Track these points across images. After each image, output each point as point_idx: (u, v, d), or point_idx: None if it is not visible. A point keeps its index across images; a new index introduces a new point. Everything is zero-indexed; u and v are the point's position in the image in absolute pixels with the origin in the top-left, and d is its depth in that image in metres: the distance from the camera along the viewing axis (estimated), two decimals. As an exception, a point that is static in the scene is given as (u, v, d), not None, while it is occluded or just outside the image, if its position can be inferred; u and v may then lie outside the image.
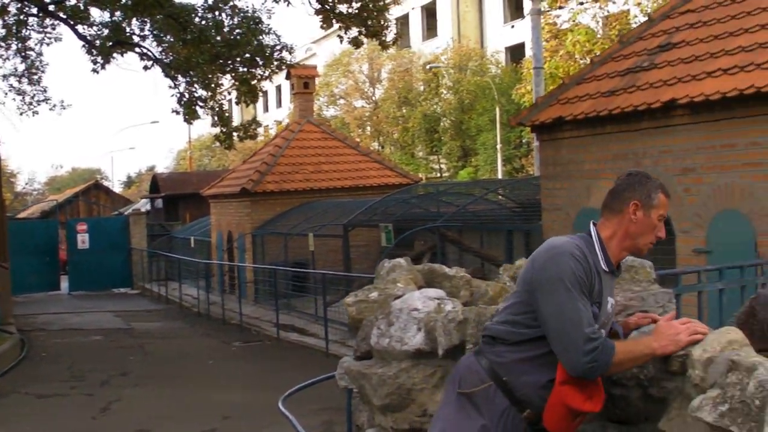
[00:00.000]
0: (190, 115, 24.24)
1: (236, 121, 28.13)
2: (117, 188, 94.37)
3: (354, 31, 22.72)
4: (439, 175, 52.64)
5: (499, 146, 43.74)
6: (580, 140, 13.74)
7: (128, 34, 23.54)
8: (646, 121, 12.45)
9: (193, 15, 22.19)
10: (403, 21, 60.07)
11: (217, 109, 24.79)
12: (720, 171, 11.35)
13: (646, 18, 16.59)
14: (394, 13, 48.62)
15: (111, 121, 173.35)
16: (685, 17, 13.56)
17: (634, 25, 25.62)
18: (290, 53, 24.08)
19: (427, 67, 52.41)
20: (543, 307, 4.04)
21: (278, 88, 77.00)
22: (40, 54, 26.78)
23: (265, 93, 73.06)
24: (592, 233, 4.26)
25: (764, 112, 10.83)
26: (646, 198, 4.20)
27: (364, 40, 23.52)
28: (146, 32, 23.73)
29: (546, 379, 4.17)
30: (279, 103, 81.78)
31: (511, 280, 6.63)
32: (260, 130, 48.66)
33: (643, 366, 4.20)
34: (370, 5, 22.09)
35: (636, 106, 12.27)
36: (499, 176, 41.93)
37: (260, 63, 23.28)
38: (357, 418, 6.54)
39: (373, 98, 56.85)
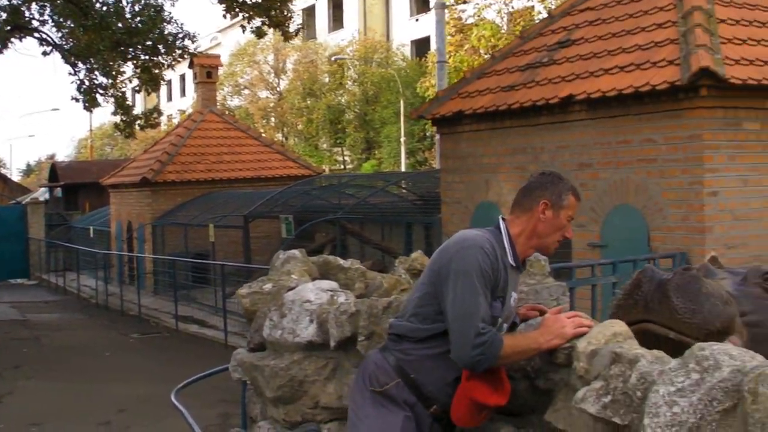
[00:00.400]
0: (91, 103, 23.78)
1: (140, 110, 27.62)
2: (15, 177, 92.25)
3: (257, 21, 22.51)
4: (342, 167, 52.57)
5: (402, 139, 43.84)
6: (480, 134, 13.80)
7: (27, 18, 22.98)
8: (545, 116, 12.56)
9: (94, 1, 21.77)
10: (309, 12, 59.92)
11: (118, 97, 24.35)
12: (615, 167, 11.51)
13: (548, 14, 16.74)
14: (300, 4, 48.50)
15: (10, 108, 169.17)
16: (584, 14, 13.72)
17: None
18: (193, 42, 23.81)
19: (333, 58, 52.31)
20: (446, 296, 4.07)
21: (182, 77, 76.09)
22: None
23: (169, 82, 72.06)
24: (502, 228, 4.29)
25: (658, 110, 11.02)
26: (557, 198, 4.25)
27: (268, 30, 23.34)
28: (46, 17, 23.20)
29: (453, 376, 4.22)
30: (183, 93, 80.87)
31: (407, 273, 6.65)
32: (163, 119, 48.15)
33: (530, 358, 4.24)
34: (274, -5, 21.94)
35: (535, 101, 12.37)
36: (403, 169, 42.02)
37: (162, 51, 22.96)
38: (251, 410, 6.49)
39: (278, 89, 56.56)
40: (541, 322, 4.22)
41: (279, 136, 54.18)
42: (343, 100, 52.21)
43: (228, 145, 30.61)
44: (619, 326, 4.02)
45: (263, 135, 37.49)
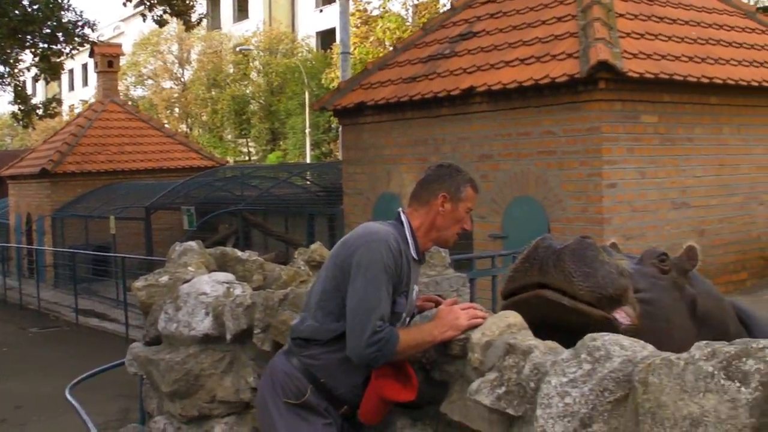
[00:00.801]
0: (-13, 92, 23.14)
1: (41, 99, 26.97)
2: None
3: (159, 10, 22.14)
4: (247, 158, 52.13)
5: (307, 131, 43.61)
6: (382, 125, 13.80)
7: None
8: (446, 108, 12.60)
9: (-11, -14, 21.18)
10: (214, 2, 59.27)
11: (16, 86, 23.75)
12: (516, 158, 11.59)
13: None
14: (204, -7, 47.88)
15: None
16: (486, 7, 13.78)
17: (441, 14, 25.92)
18: (93, 30, 23.28)
19: (237, 49, 51.83)
20: (349, 289, 3.99)
21: (84, 67, 74.55)
22: None
23: (70, 71, 70.78)
24: (404, 222, 4.23)
25: (558, 102, 11.14)
26: (455, 191, 4.19)
27: (170, 19, 22.98)
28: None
29: (363, 377, 4.16)
30: (85, 82, 79.26)
31: (306, 265, 6.59)
32: (65, 109, 47.19)
33: (425, 350, 4.20)
34: (175, -16, 21.60)
35: (436, 93, 12.39)
36: (308, 160, 41.84)
37: (61, 39, 22.41)
38: (148, 405, 6.37)
39: (182, 79, 55.85)
40: (435, 313, 4.18)
41: (183, 127, 53.47)
42: (248, 91, 51.73)
43: (130, 135, 30.04)
44: (514, 317, 4.00)
45: (167, 126, 36.93)
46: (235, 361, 5.65)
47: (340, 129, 16.15)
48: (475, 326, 4.03)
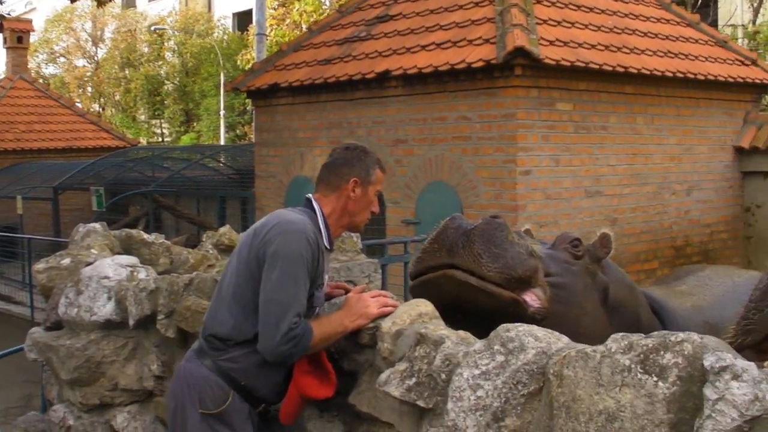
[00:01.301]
0: None
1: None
2: None
3: (72, -14, 21.62)
4: (161, 139, 51.44)
5: (222, 112, 43.16)
6: (296, 108, 13.60)
7: None
8: (361, 91, 12.45)
9: None
10: (129, -20, 58.32)
11: None
12: (431, 144, 11.49)
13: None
14: (118, -30, 47.09)
15: None
16: (403, -10, 13.65)
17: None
18: (1, 3, 22.69)
19: (152, 28, 51.04)
20: (264, 280, 3.79)
21: (-8, 43, 72.82)
22: None
23: (-22, 47, 69.00)
24: (316, 209, 4.03)
25: (474, 88, 11.06)
26: (365, 174, 4.04)
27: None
28: None
29: (283, 375, 3.98)
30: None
31: (214, 248, 6.42)
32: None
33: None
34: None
35: (351, 76, 12.24)
36: (222, 143, 41.39)
37: (-32, 13, 21.80)
38: (48, 392, 6.15)
39: (95, 58, 54.83)
40: (344, 302, 4.04)
41: (96, 107, 52.53)
42: (162, 72, 50.97)
43: (39, 113, 29.23)
44: (425, 306, 3.88)
45: (79, 105, 36.19)
46: (139, 347, 5.47)
47: (254, 111, 15.89)
48: (386, 315, 3.91)
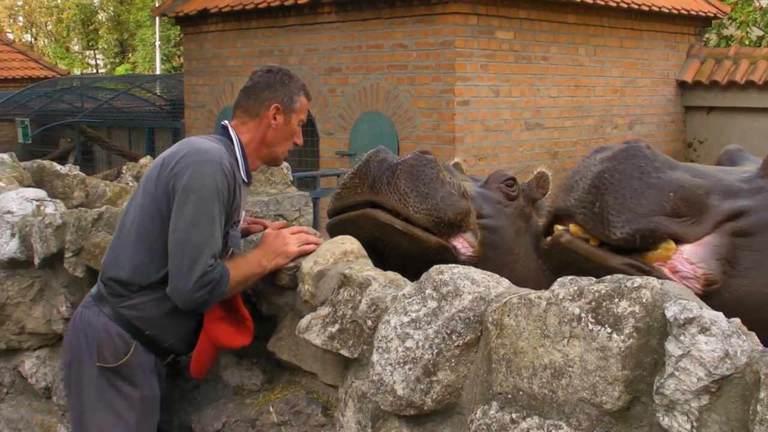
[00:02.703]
0: None
1: None
2: None
3: None
4: (95, 71, 50.46)
5: (157, 43, 42.28)
6: (226, 34, 13.21)
7: None
8: (293, 17, 12.07)
9: None
10: None
11: None
12: (365, 72, 11.17)
13: None
14: None
15: None
16: None
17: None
18: None
19: (84, -46, 49.81)
20: (174, 217, 3.37)
21: None
22: None
23: None
24: (234, 138, 3.63)
25: (411, 14, 10.74)
26: (288, 101, 3.64)
27: None
28: None
29: (194, 324, 3.60)
30: None
31: (135, 180, 6.08)
32: None
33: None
34: None
35: (282, 1, 11.84)
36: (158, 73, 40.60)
37: None
38: (-49, 336, 5.73)
39: (26, -14, 53.44)
40: (260, 239, 3.65)
41: (27, 37, 51.34)
42: (95, 0, 49.85)
43: (-37, 42, 28.46)
44: (350, 243, 3.51)
45: (10, 35, 35.16)
46: (46, 288, 5.09)
47: (183, 38, 15.39)
48: (307, 253, 3.54)
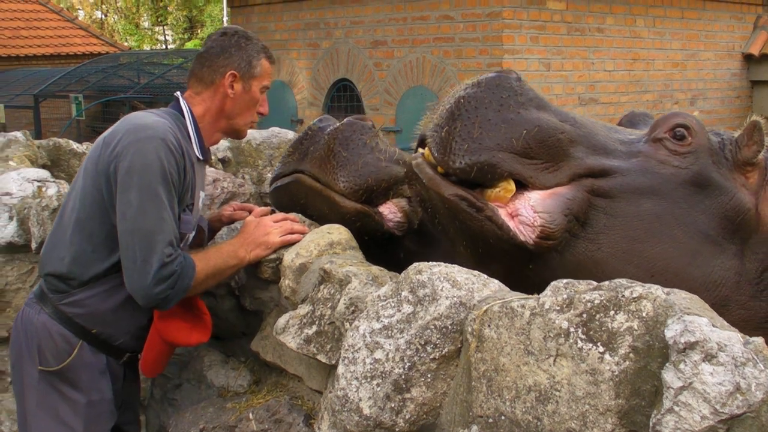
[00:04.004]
0: None
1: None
2: None
3: None
4: (165, 47, 50.75)
5: (225, 19, 42.35)
6: (272, 8, 12.93)
7: None
8: None
9: None
10: None
11: None
12: (411, 45, 10.82)
13: None
14: None
15: None
16: None
17: None
18: None
19: (154, -69, 50.08)
20: (119, 204, 3.01)
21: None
22: None
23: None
24: (184, 110, 3.27)
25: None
26: (246, 66, 3.29)
27: None
28: None
29: (147, 318, 3.24)
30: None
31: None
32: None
33: (232, 275, 3.32)
34: None
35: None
36: (224, 49, 40.65)
37: None
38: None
39: (96, -37, 53.87)
40: (241, 228, 3.28)
41: (98, 14, 51.81)
42: (164, -24, 50.19)
43: (26, 19, 28.49)
44: (338, 233, 3.15)
45: (81, 12, 35.32)
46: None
47: (229, 11, 15.17)
48: (291, 243, 3.20)
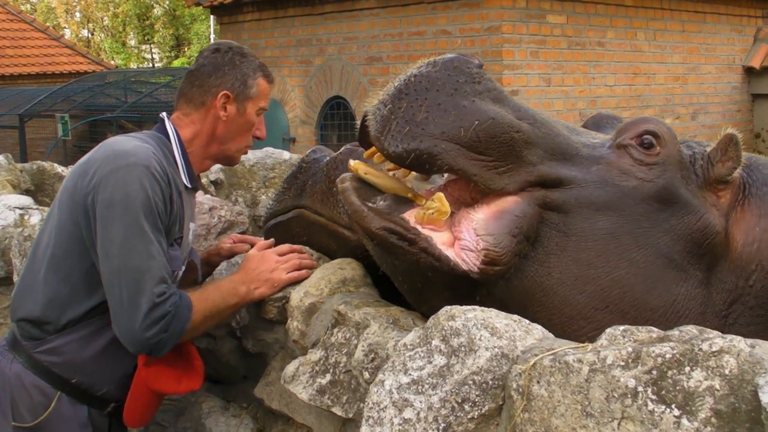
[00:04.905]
0: None
1: None
2: None
3: None
4: (152, 65, 50.71)
5: (212, 37, 42.23)
6: (262, 24, 12.83)
7: None
8: (331, 4, 11.68)
9: None
10: None
11: None
12: (407, 61, 10.56)
13: None
14: None
15: None
16: None
17: None
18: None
19: (138, -51, 50.07)
20: (100, 241, 2.69)
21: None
22: None
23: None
24: (170, 133, 2.96)
25: (455, -2, 10.35)
26: (241, 86, 3.00)
27: None
28: None
29: (132, 366, 2.91)
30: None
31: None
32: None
33: (233, 314, 3.03)
34: None
35: (319, -13, 11.44)
36: (212, 67, 40.68)
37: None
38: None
39: (83, -19, 53.85)
40: (242, 262, 2.99)
41: (84, 33, 51.85)
42: (150, -5, 50.23)
43: (11, 38, 28.34)
44: (351, 269, 2.87)
45: (67, 31, 35.18)
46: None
47: (218, 28, 14.99)
48: (299, 280, 2.91)
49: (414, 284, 2.50)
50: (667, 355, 1.71)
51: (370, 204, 2.48)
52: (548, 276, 2.46)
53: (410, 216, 2.44)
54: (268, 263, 2.92)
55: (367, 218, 2.44)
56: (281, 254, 2.97)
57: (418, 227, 2.41)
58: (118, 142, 2.84)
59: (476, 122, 2.43)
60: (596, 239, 2.49)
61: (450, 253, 2.40)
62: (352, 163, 2.62)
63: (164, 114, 3.01)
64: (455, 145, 2.42)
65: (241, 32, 13.13)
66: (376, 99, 2.58)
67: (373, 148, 2.55)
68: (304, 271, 2.92)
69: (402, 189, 2.57)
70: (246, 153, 3.19)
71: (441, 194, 2.46)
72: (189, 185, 2.95)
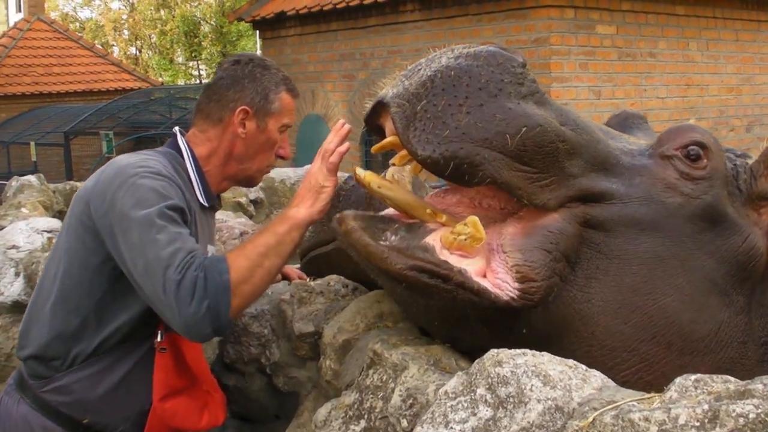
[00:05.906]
0: None
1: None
2: None
3: None
4: (199, 81, 51.16)
5: (258, 52, 42.42)
6: (305, 38, 12.82)
7: None
8: (374, 17, 11.60)
9: None
10: None
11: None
12: None
13: None
14: None
15: None
16: None
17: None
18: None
19: (186, -32, 50.65)
20: (122, 254, 2.44)
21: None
22: None
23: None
24: (183, 149, 2.74)
25: (501, 9, 10.20)
26: (262, 100, 2.77)
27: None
28: None
29: (149, 402, 2.68)
30: (18, 8, 77.00)
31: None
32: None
33: (266, 347, 2.81)
34: None
35: (362, 1, 11.41)
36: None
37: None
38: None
39: (130, 0, 54.50)
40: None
41: (132, 50, 52.43)
42: (198, 12, 50.62)
43: (58, 56, 28.61)
44: (389, 301, 2.61)
45: (116, 48, 35.50)
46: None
47: (261, 43, 14.98)
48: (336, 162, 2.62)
49: (448, 324, 2.27)
50: (750, 415, 1.46)
51: (382, 243, 2.21)
52: (588, 303, 2.24)
53: (435, 242, 2.19)
54: (312, 175, 2.61)
55: (388, 260, 2.16)
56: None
57: (448, 257, 2.15)
58: (123, 159, 2.62)
59: (524, 129, 2.19)
60: (641, 262, 2.28)
61: (487, 284, 2.14)
62: (361, 174, 2.37)
63: (177, 129, 2.79)
64: (499, 154, 2.18)
65: (284, 47, 13.13)
66: (399, 83, 2.30)
67: (404, 152, 2.30)
68: (336, 155, 2.61)
69: (419, 205, 2.33)
70: (268, 173, 2.95)
71: (475, 219, 2.18)
72: (206, 203, 2.73)
